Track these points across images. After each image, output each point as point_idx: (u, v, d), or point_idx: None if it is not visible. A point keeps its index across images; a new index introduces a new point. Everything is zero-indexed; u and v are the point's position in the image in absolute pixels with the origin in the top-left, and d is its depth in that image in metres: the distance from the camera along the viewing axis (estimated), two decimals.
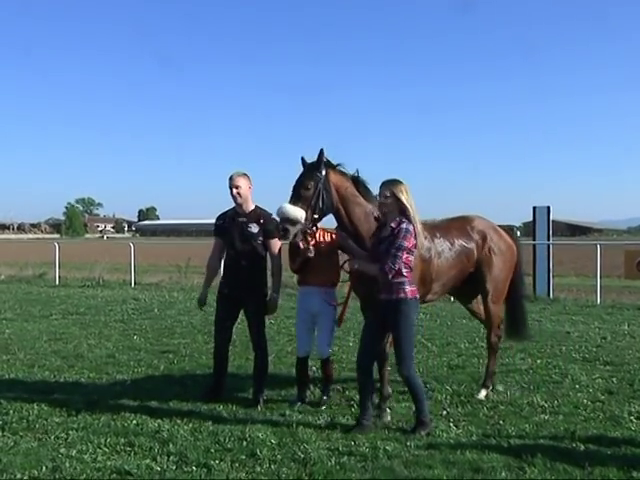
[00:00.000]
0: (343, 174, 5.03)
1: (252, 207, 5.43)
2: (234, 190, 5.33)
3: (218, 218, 5.54)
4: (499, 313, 5.79)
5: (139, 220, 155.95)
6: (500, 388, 5.92)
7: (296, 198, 4.79)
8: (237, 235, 5.32)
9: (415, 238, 4.51)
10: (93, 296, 14.24)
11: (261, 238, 5.34)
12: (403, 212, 4.53)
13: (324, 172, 4.88)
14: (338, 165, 5.03)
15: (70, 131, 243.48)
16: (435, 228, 5.41)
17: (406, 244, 4.42)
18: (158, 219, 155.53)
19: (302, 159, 4.94)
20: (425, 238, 5.13)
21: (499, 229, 5.86)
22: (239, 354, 7.27)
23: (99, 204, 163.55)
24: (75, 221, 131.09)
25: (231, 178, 5.36)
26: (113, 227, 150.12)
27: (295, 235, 4.75)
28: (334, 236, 5.19)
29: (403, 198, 4.53)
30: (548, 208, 14.26)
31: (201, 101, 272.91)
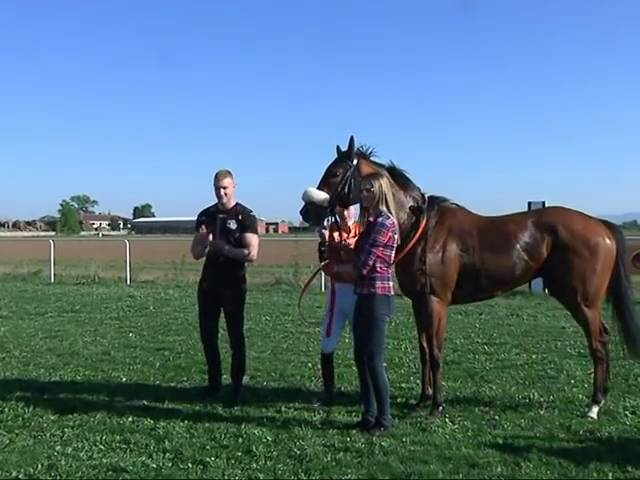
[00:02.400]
0: (377, 164, 5.03)
1: (233, 204, 5.45)
2: (221, 191, 5.35)
3: (200, 214, 5.55)
4: (596, 319, 5.02)
5: (134, 217, 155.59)
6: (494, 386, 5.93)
7: (323, 184, 4.84)
8: (217, 231, 5.35)
9: (394, 232, 4.46)
10: (88, 293, 14.21)
11: (238, 234, 5.36)
12: (383, 206, 4.49)
13: (355, 161, 4.89)
14: (371, 154, 5.03)
15: (66, 128, 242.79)
16: (487, 223, 5.15)
17: (381, 239, 4.38)
18: (153, 216, 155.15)
19: (337, 148, 4.98)
20: (466, 234, 5.02)
21: (586, 223, 5.05)
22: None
23: (94, 201, 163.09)
24: (70, 219, 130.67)
25: (217, 179, 5.35)
26: (108, 224, 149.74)
27: (316, 219, 4.79)
28: None
29: (383, 191, 4.50)
30: (543, 203, 14.29)
31: (198, 97, 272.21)
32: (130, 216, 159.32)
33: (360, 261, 4.40)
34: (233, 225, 5.36)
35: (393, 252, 4.52)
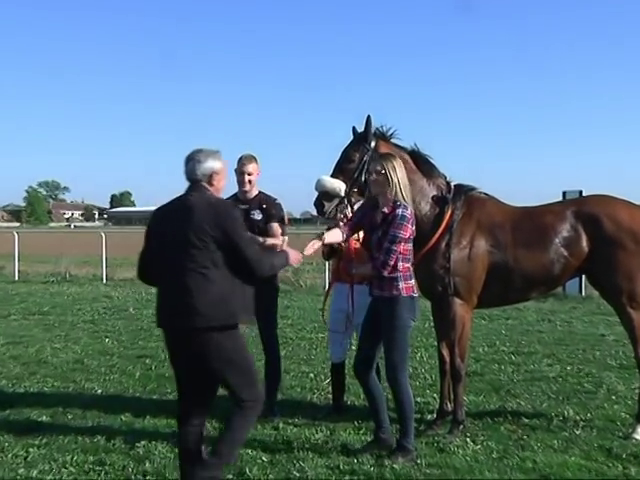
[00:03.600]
0: (398, 147, 5.02)
1: (255, 192, 5.46)
2: (245, 177, 5.33)
3: None
4: None
5: (112, 206, 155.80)
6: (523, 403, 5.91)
7: (338, 171, 4.84)
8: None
9: (413, 224, 4.43)
10: (58, 293, 14.25)
11: (263, 224, 5.35)
12: (397, 193, 4.43)
13: (373, 144, 4.89)
14: (392, 136, 5.02)
15: (31, 106, 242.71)
16: (521, 215, 5.14)
17: (402, 234, 4.31)
18: (134, 205, 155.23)
19: (353, 129, 4.97)
20: (497, 227, 5.00)
21: (633, 213, 5.01)
22: None
23: (65, 188, 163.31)
24: (38, 207, 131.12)
25: (242, 163, 5.35)
26: (82, 214, 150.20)
27: (332, 212, 4.78)
28: None
29: (397, 176, 4.43)
30: (580, 193, 14.24)
31: (183, 67, 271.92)
32: (107, 205, 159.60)
33: (380, 261, 4.32)
34: (258, 215, 5.35)
35: (412, 243, 4.48)
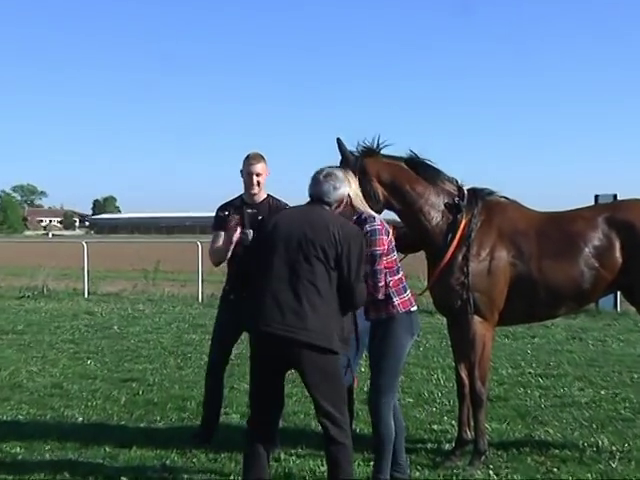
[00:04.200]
0: (391, 158, 5.04)
1: (264, 196, 5.51)
2: (254, 178, 5.39)
3: (221, 208, 5.59)
4: None
5: (94, 213, 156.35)
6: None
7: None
8: (247, 228, 5.32)
9: (387, 233, 4.40)
10: (35, 310, 14.25)
11: None
12: (356, 206, 4.36)
13: (360, 164, 4.87)
14: (380, 147, 5.01)
15: (3, 101, 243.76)
16: (547, 221, 5.13)
17: (379, 250, 4.32)
18: (119, 212, 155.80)
19: (338, 141, 4.93)
20: (520, 235, 4.98)
21: None
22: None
23: (42, 193, 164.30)
24: (11, 214, 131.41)
25: (250, 163, 5.39)
26: (61, 222, 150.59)
27: None
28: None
29: (349, 191, 4.31)
30: (614, 197, 14.22)
31: (173, 65, 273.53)
32: (88, 211, 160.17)
33: (370, 286, 4.30)
34: None
35: (395, 251, 4.51)
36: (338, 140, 4.92)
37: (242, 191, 5.56)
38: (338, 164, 4.85)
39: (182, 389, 7.30)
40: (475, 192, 5.12)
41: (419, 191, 4.96)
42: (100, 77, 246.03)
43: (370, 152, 4.99)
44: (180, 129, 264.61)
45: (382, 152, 5.03)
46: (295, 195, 4.98)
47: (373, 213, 4.43)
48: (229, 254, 5.38)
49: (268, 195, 5.53)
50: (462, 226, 4.94)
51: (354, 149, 4.98)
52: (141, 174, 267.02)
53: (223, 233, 5.41)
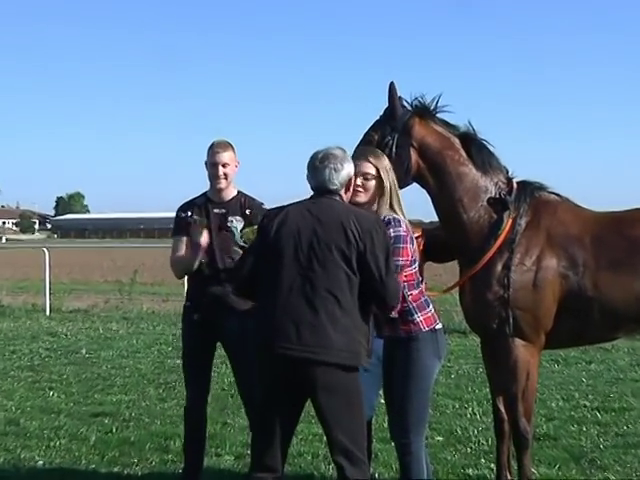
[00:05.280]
0: (445, 126, 5.01)
1: (234, 193, 5.47)
2: (219, 170, 5.32)
3: (181, 209, 5.53)
4: None
5: (57, 213, 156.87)
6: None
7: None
8: (213, 233, 5.32)
9: (412, 241, 4.43)
10: None
11: None
12: (392, 204, 4.44)
13: (403, 120, 4.87)
14: (436, 111, 4.99)
15: None
16: (605, 224, 5.11)
17: (402, 260, 4.32)
18: (87, 211, 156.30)
19: (391, 86, 4.89)
20: (574, 241, 4.95)
21: None
22: (213, 416, 7.24)
23: None
24: None
25: (215, 151, 5.34)
26: (16, 224, 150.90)
27: None
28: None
29: (390, 179, 4.44)
30: None
31: (160, 53, 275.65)
32: (50, 211, 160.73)
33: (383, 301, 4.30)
34: (239, 223, 5.36)
35: (417, 261, 4.53)
36: (391, 85, 4.87)
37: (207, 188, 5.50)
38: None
39: (164, 425, 7.31)
40: (525, 186, 5.07)
41: (464, 176, 4.93)
42: (68, 57, 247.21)
43: (423, 112, 4.96)
44: (162, 115, 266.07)
45: (437, 116, 5.01)
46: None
47: (400, 216, 4.41)
48: (196, 264, 5.31)
49: (239, 192, 5.48)
50: (507, 227, 4.91)
51: (406, 104, 4.95)
52: (114, 167, 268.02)
53: (185, 238, 5.38)
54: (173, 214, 5.65)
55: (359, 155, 4.52)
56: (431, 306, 4.50)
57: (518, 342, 4.86)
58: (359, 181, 4.40)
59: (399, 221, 4.38)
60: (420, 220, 5.39)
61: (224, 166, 5.33)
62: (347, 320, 3.92)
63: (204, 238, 5.20)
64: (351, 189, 4.21)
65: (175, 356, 11.16)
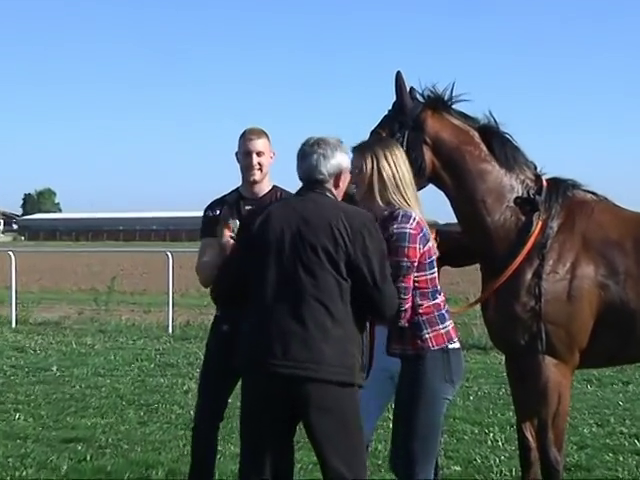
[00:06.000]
0: (462, 118, 5.01)
1: (269, 187, 5.47)
2: (254, 159, 5.30)
3: (210, 207, 5.54)
4: None
5: (25, 212, 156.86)
6: None
7: None
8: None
9: (425, 238, 4.37)
10: None
11: None
12: (391, 194, 4.37)
13: (415, 114, 4.87)
14: (452, 101, 4.98)
15: None
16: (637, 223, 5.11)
17: (407, 261, 4.26)
18: (59, 211, 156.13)
19: (398, 76, 4.89)
20: (612, 246, 4.91)
21: None
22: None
23: None
24: None
25: (249, 138, 5.32)
26: None
27: None
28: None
29: (391, 169, 4.36)
30: None
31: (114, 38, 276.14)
32: (17, 210, 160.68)
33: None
34: None
35: (435, 267, 4.47)
36: (398, 75, 4.86)
37: (239, 183, 5.51)
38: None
39: (145, 452, 7.29)
40: (557, 184, 5.05)
41: (486, 174, 4.92)
42: (34, 42, 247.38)
43: (437, 103, 4.96)
44: (150, 100, 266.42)
45: (453, 108, 5.00)
46: None
47: (411, 211, 4.36)
48: None
49: (274, 187, 5.47)
50: (537, 231, 4.89)
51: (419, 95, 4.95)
52: (89, 160, 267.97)
53: (214, 240, 5.30)
54: (156, 214, 5.64)
55: (355, 150, 4.51)
56: (447, 322, 4.44)
57: (549, 360, 4.84)
58: (353, 178, 4.40)
59: (409, 217, 4.31)
60: (435, 221, 5.35)
61: (258, 155, 5.32)
62: (339, 331, 3.91)
63: (226, 238, 5.09)
64: (341, 185, 4.21)
65: (158, 374, 11.19)
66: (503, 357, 5.26)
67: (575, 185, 5.14)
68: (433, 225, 5.13)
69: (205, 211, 5.57)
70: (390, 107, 4.97)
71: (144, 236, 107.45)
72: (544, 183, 5.02)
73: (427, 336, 4.36)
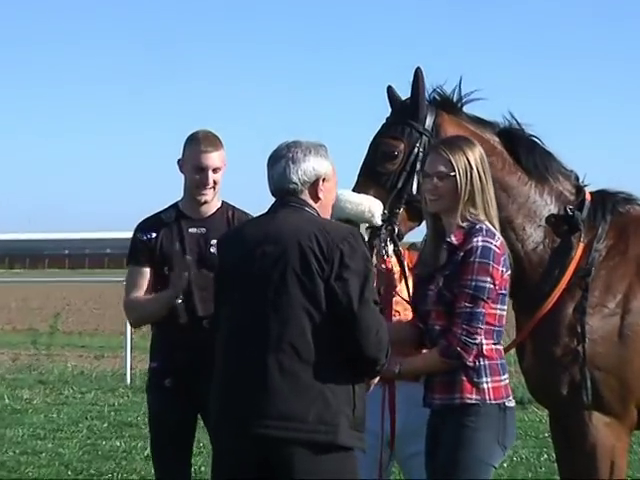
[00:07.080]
0: (478, 123, 5.04)
1: (217, 205, 5.47)
2: (210, 177, 5.30)
3: (143, 228, 5.51)
4: None
5: None
6: None
7: (367, 178, 4.91)
8: (192, 261, 5.33)
9: (506, 265, 4.40)
10: None
11: None
12: (478, 208, 4.40)
13: (430, 120, 4.93)
14: (464, 103, 5.05)
15: None
16: None
17: (489, 283, 4.29)
18: None
19: (389, 90, 5.03)
20: None
21: None
22: None
23: None
24: None
25: (202, 151, 5.32)
26: None
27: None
28: None
29: (477, 177, 4.40)
30: None
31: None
32: None
33: (457, 337, 4.27)
34: None
35: (506, 304, 4.47)
36: (418, 72, 4.89)
37: (179, 197, 5.54)
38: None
39: None
40: (603, 197, 5.07)
41: (513, 189, 4.94)
42: None
43: (449, 106, 5.02)
44: (108, 99, 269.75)
45: (464, 111, 5.06)
46: None
47: (493, 228, 4.38)
48: (165, 310, 5.31)
49: (223, 203, 5.51)
50: (578, 255, 4.90)
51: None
52: (27, 170, 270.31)
53: (148, 271, 5.38)
54: (113, 235, 5.63)
55: (433, 146, 4.61)
56: (507, 375, 4.44)
57: (598, 418, 4.82)
58: (430, 184, 4.41)
59: (494, 234, 4.35)
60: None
61: (215, 171, 5.33)
62: (311, 379, 3.85)
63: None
64: (322, 197, 4.16)
65: (113, 436, 11.28)
66: (545, 413, 5.18)
67: (629, 199, 5.16)
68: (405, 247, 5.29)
69: (135, 233, 5.52)
70: (391, 112, 5.06)
71: (95, 262, 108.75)
72: (587, 197, 5.03)
73: (486, 386, 4.33)
